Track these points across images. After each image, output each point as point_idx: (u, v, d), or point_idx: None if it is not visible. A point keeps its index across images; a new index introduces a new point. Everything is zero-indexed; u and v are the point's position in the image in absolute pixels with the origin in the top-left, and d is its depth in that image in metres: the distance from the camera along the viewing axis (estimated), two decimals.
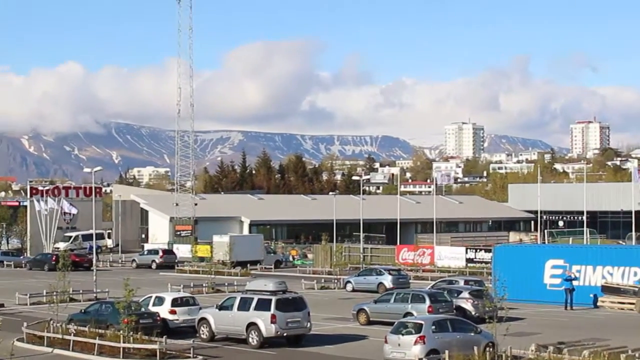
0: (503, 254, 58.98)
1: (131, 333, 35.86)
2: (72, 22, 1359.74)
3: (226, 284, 63.64)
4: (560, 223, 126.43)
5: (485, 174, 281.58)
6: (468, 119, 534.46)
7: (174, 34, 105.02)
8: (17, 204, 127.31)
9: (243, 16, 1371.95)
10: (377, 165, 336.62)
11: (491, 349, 32.11)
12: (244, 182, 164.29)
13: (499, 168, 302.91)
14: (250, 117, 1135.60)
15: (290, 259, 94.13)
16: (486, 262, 75.22)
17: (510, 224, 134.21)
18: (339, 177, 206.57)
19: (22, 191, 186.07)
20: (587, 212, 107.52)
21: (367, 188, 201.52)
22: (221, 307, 39.26)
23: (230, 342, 38.62)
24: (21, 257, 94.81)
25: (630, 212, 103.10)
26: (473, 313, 44.76)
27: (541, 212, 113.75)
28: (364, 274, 65.47)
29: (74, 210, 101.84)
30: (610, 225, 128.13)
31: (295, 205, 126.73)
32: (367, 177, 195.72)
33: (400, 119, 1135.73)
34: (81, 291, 56.43)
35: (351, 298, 57.29)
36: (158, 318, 40.29)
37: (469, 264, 79.70)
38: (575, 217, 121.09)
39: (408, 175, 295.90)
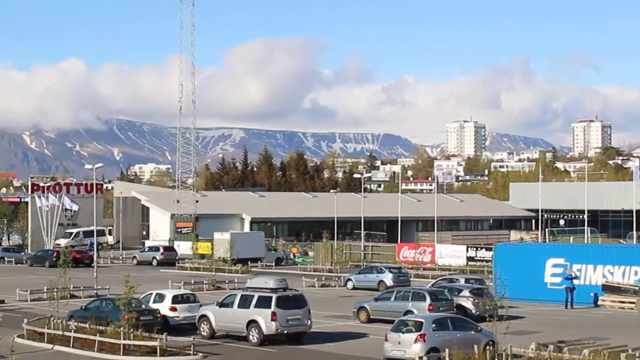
0: (504, 252, 58.96)
1: (131, 330, 35.88)
2: (74, 19, 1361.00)
3: (227, 281, 63.69)
4: (561, 222, 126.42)
5: (486, 172, 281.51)
6: (470, 118, 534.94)
7: (176, 31, 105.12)
8: (18, 200, 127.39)
9: (245, 14, 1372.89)
10: (378, 163, 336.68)
11: (491, 348, 32.12)
12: (245, 179, 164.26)
13: (501, 166, 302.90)
14: (251, 115, 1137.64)
15: (291, 256, 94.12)
16: (487, 261, 75.20)
17: (511, 223, 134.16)
18: (340, 174, 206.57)
19: (23, 187, 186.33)
20: (588, 211, 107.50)
21: (368, 186, 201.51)
22: (222, 305, 39.26)
23: (230, 339, 38.63)
24: (22, 254, 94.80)
25: (631, 211, 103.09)
26: (473, 311, 44.77)
27: (542, 210, 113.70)
28: (365, 272, 65.45)
29: (75, 207, 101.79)
30: (611, 224, 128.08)
31: (297, 203, 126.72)
32: (369, 175, 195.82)
33: (402, 117, 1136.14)
34: (82, 288, 56.43)
35: (352, 296, 57.28)
36: (158, 315, 40.32)
37: (469, 263, 79.63)
38: (576, 216, 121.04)
39: (409, 173, 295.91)
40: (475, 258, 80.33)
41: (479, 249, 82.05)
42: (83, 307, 42.15)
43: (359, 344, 38.65)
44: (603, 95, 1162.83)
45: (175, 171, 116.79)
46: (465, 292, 46.86)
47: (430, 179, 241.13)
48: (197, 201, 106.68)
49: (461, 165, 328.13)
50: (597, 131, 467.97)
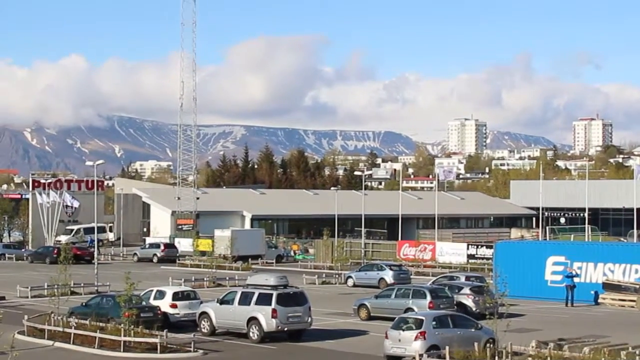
0: (504, 250, 58.96)
1: (132, 326, 35.88)
2: (76, 15, 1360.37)
3: (227, 278, 63.68)
4: (562, 220, 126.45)
5: (487, 170, 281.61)
6: (471, 115, 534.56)
7: (178, 28, 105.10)
8: (19, 196, 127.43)
9: (246, 11, 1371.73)
10: (379, 160, 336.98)
11: (492, 345, 32.11)
12: (246, 176, 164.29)
13: (501, 164, 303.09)
14: (252, 112, 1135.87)
15: (292, 253, 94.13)
16: (487, 259, 75.26)
17: (511, 221, 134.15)
18: (341, 172, 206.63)
19: (24, 184, 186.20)
20: (589, 209, 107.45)
21: (369, 183, 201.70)
22: (222, 302, 39.29)
23: (231, 336, 38.65)
24: (23, 250, 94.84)
25: (632, 210, 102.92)
26: (474, 309, 44.77)
27: (543, 208, 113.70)
28: (365, 270, 65.51)
29: (75, 204, 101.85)
30: (611, 222, 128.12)
31: (297, 200, 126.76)
32: (369, 172, 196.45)
33: (403, 114, 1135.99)
34: (82, 284, 56.47)
35: (352, 293, 57.29)
36: (159, 312, 40.33)
37: (470, 260, 79.69)
38: (577, 214, 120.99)
39: (410, 171, 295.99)
40: (476, 256, 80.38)
41: (479, 246, 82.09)
42: (83, 304, 42.15)
43: (359, 341, 38.66)
44: (604, 93, 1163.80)
45: (176, 168, 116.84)
46: (466, 290, 46.88)
47: (431, 176, 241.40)
48: (197, 198, 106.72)
49: (462, 163, 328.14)
50: (598, 129, 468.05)
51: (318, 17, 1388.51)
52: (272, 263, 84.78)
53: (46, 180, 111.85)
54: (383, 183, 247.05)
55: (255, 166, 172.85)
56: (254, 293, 38.15)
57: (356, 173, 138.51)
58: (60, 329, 37.80)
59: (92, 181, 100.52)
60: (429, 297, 43.04)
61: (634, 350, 31.18)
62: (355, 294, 55.78)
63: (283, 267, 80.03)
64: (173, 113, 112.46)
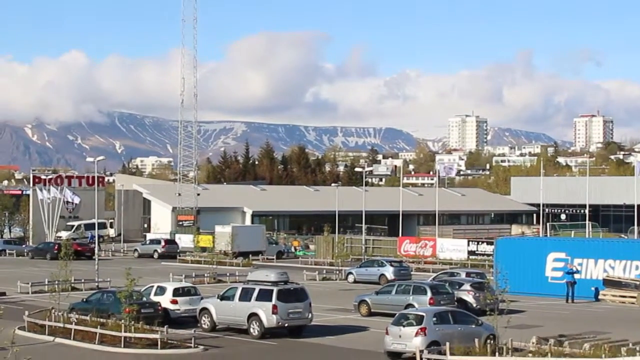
0: (505, 246, 58.99)
1: (132, 322, 35.90)
2: (76, 12, 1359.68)
3: (228, 274, 63.72)
4: (563, 216, 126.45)
5: (488, 166, 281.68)
6: (471, 112, 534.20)
7: (178, 25, 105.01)
8: (19, 192, 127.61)
9: (247, 7, 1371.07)
10: (380, 157, 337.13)
11: (492, 341, 32.11)
12: (246, 172, 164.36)
13: (502, 161, 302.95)
14: (253, 108, 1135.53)
15: (292, 249, 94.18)
16: (488, 255, 75.30)
17: (512, 217, 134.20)
18: (341, 168, 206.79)
19: (25, 180, 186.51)
20: (590, 206, 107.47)
21: (369, 180, 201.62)
22: (223, 297, 39.29)
23: (231, 332, 38.66)
24: (23, 246, 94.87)
25: (633, 206, 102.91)
26: (474, 305, 44.78)
27: (543, 205, 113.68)
28: (366, 266, 65.54)
29: (76, 200, 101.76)
30: (612, 219, 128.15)
31: (298, 196, 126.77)
32: (370, 168, 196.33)
33: (404, 111, 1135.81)
34: (83, 280, 56.50)
35: (353, 289, 57.31)
36: (159, 308, 40.35)
37: (470, 257, 79.74)
38: (578, 211, 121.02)
39: (411, 167, 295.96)
40: (477, 252, 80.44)
41: (480, 243, 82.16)
42: (84, 300, 42.20)
43: (360, 337, 38.68)
44: (605, 90, 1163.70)
45: (177, 164, 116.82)
46: (466, 286, 46.88)
47: (431, 173, 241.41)
48: (198, 194, 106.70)
49: (463, 159, 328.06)
50: (598, 126, 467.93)
51: (319, 13, 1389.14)
52: (273, 259, 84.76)
53: (47, 176, 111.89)
54: (384, 179, 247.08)
55: (256, 162, 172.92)
56: (254, 289, 38.16)
57: (357, 169, 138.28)
58: (61, 325, 37.81)
59: (93, 177, 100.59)
60: (429, 293, 43.06)
61: (634, 346, 31.20)
62: (356, 290, 55.80)
63: (284, 263, 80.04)
64: (174, 109, 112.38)
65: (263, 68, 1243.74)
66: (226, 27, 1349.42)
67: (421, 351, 30.99)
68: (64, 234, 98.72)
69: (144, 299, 40.64)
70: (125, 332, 35.29)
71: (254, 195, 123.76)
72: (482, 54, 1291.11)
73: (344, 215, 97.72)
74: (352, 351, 35.42)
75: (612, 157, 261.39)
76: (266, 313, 37.18)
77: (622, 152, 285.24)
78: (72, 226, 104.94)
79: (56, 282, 42.35)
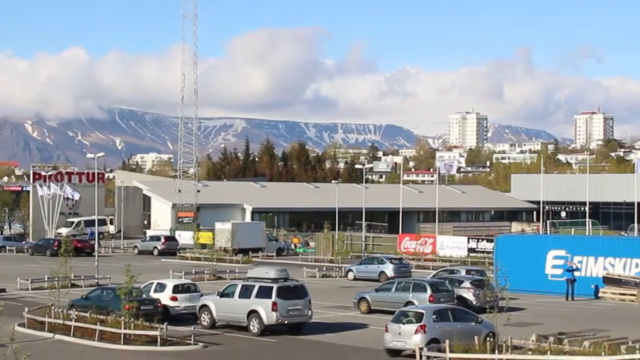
0: (505, 244, 58.96)
1: (132, 319, 35.88)
2: (77, 8, 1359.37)
3: (228, 271, 63.71)
4: (563, 214, 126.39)
5: (488, 163, 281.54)
6: (472, 109, 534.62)
7: (179, 21, 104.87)
8: (19, 189, 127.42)
9: (247, 3, 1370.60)
10: (380, 154, 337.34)
11: (492, 339, 32.11)
12: (246, 169, 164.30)
13: (502, 158, 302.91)
14: (253, 105, 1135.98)
15: (292, 246, 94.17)
16: (488, 252, 75.26)
17: (512, 214, 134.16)
18: (342, 165, 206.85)
19: (25, 176, 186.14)
20: (590, 203, 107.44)
21: (370, 177, 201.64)
22: (222, 294, 39.29)
23: (231, 329, 38.66)
24: (23, 242, 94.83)
25: (633, 204, 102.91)
26: (474, 303, 44.79)
27: (544, 202, 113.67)
28: (366, 263, 65.54)
29: (76, 196, 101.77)
30: (612, 216, 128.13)
31: (298, 193, 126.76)
32: (370, 165, 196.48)
33: (404, 107, 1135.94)
34: (83, 277, 56.49)
35: (352, 287, 57.29)
36: (159, 304, 40.34)
37: (470, 254, 79.70)
38: (578, 208, 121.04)
39: (411, 164, 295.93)
40: (476, 249, 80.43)
41: (480, 240, 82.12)
42: (84, 297, 42.17)
43: (360, 334, 38.68)
44: (605, 87, 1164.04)
45: (177, 161, 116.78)
46: (466, 284, 46.89)
47: (432, 170, 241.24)
48: (198, 191, 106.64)
49: (463, 156, 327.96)
50: (599, 123, 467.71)
51: (319, 9, 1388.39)
52: (273, 256, 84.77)
53: (47, 172, 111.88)
54: (384, 176, 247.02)
55: (256, 159, 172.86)
56: (254, 286, 38.15)
57: (357, 166, 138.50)
58: (61, 322, 37.80)
59: (93, 173, 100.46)
60: (429, 291, 43.06)
61: (634, 344, 31.17)
62: (356, 287, 55.77)
63: (283, 260, 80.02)
64: (174, 106, 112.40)
65: (263, 64, 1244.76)
66: (226, 23, 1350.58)
67: (421, 348, 30.97)
68: (63, 231, 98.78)
69: (144, 295, 40.63)
70: (124, 329, 35.28)
71: (254, 192, 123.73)
72: (483, 51, 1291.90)
73: (344, 212, 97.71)
74: (352, 348, 35.42)
75: (613, 154, 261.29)
76: (266, 310, 37.16)
77: (623, 150, 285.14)
78: (72, 223, 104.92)
79: (56, 278, 42.28)
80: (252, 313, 37.57)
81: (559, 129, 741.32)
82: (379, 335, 34.65)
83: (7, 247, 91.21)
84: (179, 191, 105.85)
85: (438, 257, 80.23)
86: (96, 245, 67.07)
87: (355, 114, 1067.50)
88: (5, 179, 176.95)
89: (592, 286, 53.49)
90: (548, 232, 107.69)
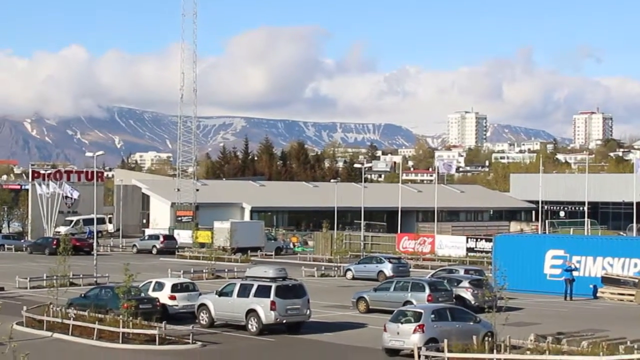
0: (504, 243, 58.97)
1: (131, 318, 35.89)
2: (76, 6, 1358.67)
3: (226, 270, 63.69)
4: (562, 213, 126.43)
5: (487, 163, 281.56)
6: (471, 108, 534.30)
7: (178, 19, 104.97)
8: (18, 187, 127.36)
9: (247, 2, 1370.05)
10: (379, 153, 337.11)
11: (490, 339, 32.12)
12: (245, 168, 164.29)
13: (501, 158, 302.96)
14: (252, 104, 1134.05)
15: (291, 246, 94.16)
16: (487, 252, 75.22)
17: (511, 214, 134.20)
18: (341, 164, 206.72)
19: (24, 174, 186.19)
20: (589, 203, 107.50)
21: (368, 176, 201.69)
22: (221, 294, 39.28)
23: (229, 328, 38.65)
24: (22, 241, 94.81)
25: (632, 204, 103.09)
26: (473, 302, 44.79)
27: (542, 202, 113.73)
28: (364, 262, 65.55)
29: (75, 195, 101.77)
30: (611, 216, 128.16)
31: (297, 192, 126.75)
32: (369, 165, 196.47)
33: (404, 107, 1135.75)
34: (81, 275, 56.51)
35: (351, 286, 57.29)
36: (158, 303, 40.34)
37: (469, 253, 79.73)
38: (577, 208, 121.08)
39: (410, 163, 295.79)
40: (475, 249, 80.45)
41: (478, 240, 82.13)
42: (82, 295, 42.18)
43: (358, 334, 38.67)
44: (605, 87, 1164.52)
45: (176, 160, 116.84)
46: (465, 283, 46.89)
47: (430, 169, 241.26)
48: (197, 190, 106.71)
49: (462, 156, 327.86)
50: (598, 123, 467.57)
51: (319, 8, 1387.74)
52: (271, 255, 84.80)
53: (46, 171, 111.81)
54: (383, 176, 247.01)
55: (255, 158, 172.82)
56: (252, 285, 38.14)
57: (356, 165, 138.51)
58: (59, 320, 37.80)
59: (92, 172, 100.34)
60: (427, 290, 43.06)
61: (632, 344, 31.20)
62: (354, 286, 55.78)
63: (282, 259, 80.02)
64: (173, 104, 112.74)
65: (263, 63, 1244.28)
66: (226, 22, 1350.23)
67: (419, 348, 30.96)
68: (62, 229, 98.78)
69: (142, 294, 40.63)
70: (123, 327, 35.27)
71: (253, 191, 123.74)
72: (482, 51, 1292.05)
73: (342, 212, 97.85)
74: (350, 348, 35.42)
75: (612, 154, 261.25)
76: (264, 309, 37.16)
77: (622, 150, 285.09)
78: (71, 221, 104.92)
79: (54, 277, 42.31)
80: (251, 312, 37.57)
81: (558, 129, 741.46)
82: (377, 335, 34.65)
83: (6, 246, 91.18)
84: (178, 190, 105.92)
85: (437, 256, 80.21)
86: (95, 244, 67.08)
87: (354, 113, 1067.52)
88: (4, 177, 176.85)
89: (591, 286, 53.50)
90: (547, 231, 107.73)
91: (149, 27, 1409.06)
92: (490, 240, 73.25)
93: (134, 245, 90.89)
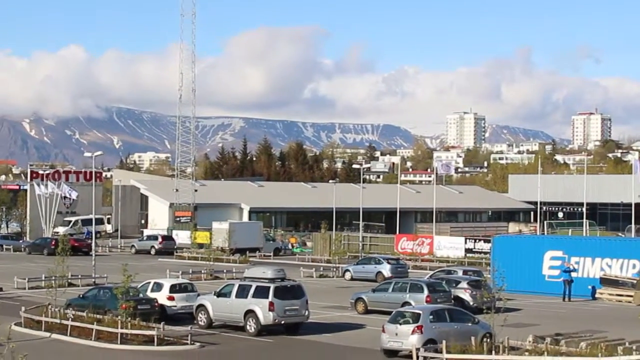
0: (502, 244, 58.99)
1: (129, 319, 35.87)
2: (75, 6, 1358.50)
3: (225, 270, 63.73)
4: (560, 214, 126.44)
5: (485, 164, 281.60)
6: (470, 109, 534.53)
7: (177, 19, 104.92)
8: (17, 187, 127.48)
9: (246, 2, 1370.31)
10: (377, 153, 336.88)
11: (488, 340, 32.10)
12: (244, 168, 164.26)
13: (500, 158, 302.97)
14: (251, 104, 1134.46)
15: (290, 246, 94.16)
16: (485, 253, 75.26)
17: (510, 215, 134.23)
18: (339, 165, 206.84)
19: (22, 175, 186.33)
20: (587, 204, 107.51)
21: (367, 177, 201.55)
22: (219, 294, 39.26)
23: (227, 329, 38.64)
24: (20, 241, 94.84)
25: (630, 205, 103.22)
26: (471, 303, 44.77)
27: (541, 203, 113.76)
28: (363, 263, 65.55)
29: (74, 195, 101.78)
30: (609, 217, 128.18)
31: (295, 193, 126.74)
32: (368, 165, 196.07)
33: (402, 107, 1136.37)
34: (80, 276, 56.51)
35: (349, 287, 57.30)
36: (156, 304, 40.33)
37: (468, 254, 79.74)
38: (575, 209, 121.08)
39: (409, 164, 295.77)
40: (474, 250, 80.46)
41: (477, 240, 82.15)
42: (81, 296, 42.16)
43: (356, 334, 38.66)
44: (603, 87, 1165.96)
45: (175, 160, 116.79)
46: (463, 284, 46.86)
47: (429, 170, 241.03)
48: (196, 190, 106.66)
49: (461, 156, 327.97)
50: (597, 124, 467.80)
51: (318, 8, 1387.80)
52: (270, 256, 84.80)
53: (44, 171, 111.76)
54: (381, 176, 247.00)
55: (254, 158, 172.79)
56: (251, 286, 38.13)
57: (354, 166, 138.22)
58: (58, 321, 37.78)
59: (90, 172, 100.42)
60: (426, 291, 43.05)
61: (630, 345, 31.20)
62: (353, 287, 55.77)
63: (281, 260, 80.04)
64: (172, 105, 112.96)
65: (261, 63, 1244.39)
66: (225, 22, 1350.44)
67: (417, 349, 30.95)
68: (61, 230, 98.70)
69: (141, 295, 40.62)
70: (121, 328, 35.26)
71: (251, 191, 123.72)
72: (481, 51, 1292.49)
73: (341, 212, 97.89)
74: (349, 349, 35.41)
75: (610, 155, 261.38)
76: (263, 310, 37.14)
77: (620, 150, 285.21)
78: (70, 222, 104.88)
79: (53, 277, 42.31)
80: (249, 313, 37.56)
81: (556, 130, 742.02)
82: (375, 336, 34.64)
83: (5, 246, 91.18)
84: (177, 190, 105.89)
85: (435, 257, 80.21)
86: (93, 245, 67.07)
87: (353, 114, 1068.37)
88: (3, 177, 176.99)
89: (589, 287, 53.51)
90: (545, 232, 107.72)
91: (148, 27, 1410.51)
92: (488, 241, 73.22)
93: (133, 245, 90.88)
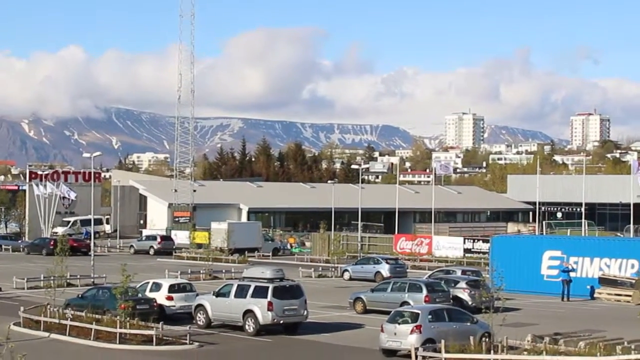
0: (501, 244, 59.00)
1: (128, 319, 35.86)
2: (75, 7, 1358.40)
3: (223, 270, 63.73)
4: (559, 214, 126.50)
5: (484, 164, 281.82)
6: (468, 109, 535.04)
7: (176, 20, 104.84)
8: (16, 188, 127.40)
9: (245, 3, 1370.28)
10: (376, 154, 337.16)
11: (487, 339, 32.11)
12: (243, 169, 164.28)
13: (499, 159, 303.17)
14: (250, 105, 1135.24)
15: (288, 246, 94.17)
16: (484, 253, 75.31)
17: (508, 215, 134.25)
18: (338, 165, 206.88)
19: (21, 175, 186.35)
20: (586, 204, 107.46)
21: (366, 177, 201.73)
22: (218, 294, 39.27)
23: (226, 329, 38.65)
24: (19, 241, 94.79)
25: (629, 205, 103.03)
26: (470, 303, 44.78)
27: (540, 203, 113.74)
28: (362, 263, 65.55)
29: (72, 195, 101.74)
30: (608, 217, 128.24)
31: (294, 193, 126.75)
32: (367, 166, 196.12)
33: (401, 108, 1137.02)
34: (79, 276, 56.50)
35: (348, 287, 57.31)
36: (155, 304, 40.33)
37: (466, 254, 79.76)
38: (574, 209, 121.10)
39: (407, 164, 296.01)
40: (472, 250, 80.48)
41: (476, 240, 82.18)
42: (80, 296, 42.16)
43: (355, 334, 38.67)
44: (602, 88, 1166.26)
45: (174, 160, 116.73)
46: (462, 284, 46.87)
47: (428, 170, 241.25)
48: (194, 191, 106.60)
49: (459, 157, 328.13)
50: (595, 124, 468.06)
51: (316, 9, 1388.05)
52: (269, 256, 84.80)
53: (43, 171, 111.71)
54: (380, 177, 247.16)
55: (253, 159, 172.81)
56: (250, 286, 38.15)
57: (353, 166, 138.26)
58: (56, 321, 37.77)
59: (89, 173, 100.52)
60: (425, 291, 43.06)
61: (629, 344, 31.21)
62: (352, 287, 55.78)
63: (279, 260, 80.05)
64: (171, 105, 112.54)
65: (260, 64, 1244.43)
66: (224, 23, 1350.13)
67: (416, 349, 30.95)
68: (60, 230, 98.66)
69: (140, 295, 40.63)
70: (120, 328, 35.26)
71: (250, 191, 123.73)
72: (480, 52, 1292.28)
73: (340, 213, 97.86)
74: (347, 348, 35.42)
75: (609, 155, 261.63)
76: (261, 310, 37.16)
77: (619, 151, 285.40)
78: (68, 222, 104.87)
79: (52, 277, 42.34)
80: (248, 313, 37.57)
81: (555, 130, 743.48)
82: (374, 336, 34.66)
83: (3, 246, 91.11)
84: (175, 191, 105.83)
85: (434, 257, 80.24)
86: (92, 245, 67.05)
87: (351, 115, 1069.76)
88: (2, 177, 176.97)
89: (588, 287, 53.53)
90: (544, 232, 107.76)
91: (147, 27, 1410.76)
92: (487, 241, 73.26)
93: (132, 246, 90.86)
